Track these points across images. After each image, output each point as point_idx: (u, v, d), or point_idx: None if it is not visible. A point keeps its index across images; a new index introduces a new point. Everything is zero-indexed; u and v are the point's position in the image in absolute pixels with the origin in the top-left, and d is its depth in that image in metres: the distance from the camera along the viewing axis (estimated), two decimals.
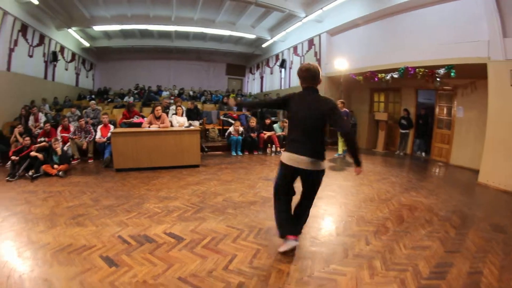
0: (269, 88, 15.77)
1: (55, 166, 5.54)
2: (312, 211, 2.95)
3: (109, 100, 12.33)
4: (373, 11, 7.94)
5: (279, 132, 8.57)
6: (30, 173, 5.35)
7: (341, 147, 7.85)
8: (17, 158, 5.51)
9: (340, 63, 8.76)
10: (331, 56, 10.04)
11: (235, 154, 7.93)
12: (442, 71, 6.04)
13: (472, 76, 6.61)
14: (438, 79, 6.22)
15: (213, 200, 4.23)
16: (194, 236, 3.07)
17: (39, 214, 3.65)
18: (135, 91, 13.55)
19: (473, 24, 5.68)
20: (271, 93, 14.46)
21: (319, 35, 10.58)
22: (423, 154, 8.37)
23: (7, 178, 5.19)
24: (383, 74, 7.52)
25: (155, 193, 4.53)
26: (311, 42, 11.27)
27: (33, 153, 5.56)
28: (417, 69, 6.49)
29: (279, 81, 14.43)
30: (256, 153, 8.26)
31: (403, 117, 8.49)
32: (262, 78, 17.01)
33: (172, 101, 9.99)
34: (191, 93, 14.75)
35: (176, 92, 14.40)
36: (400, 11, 7.48)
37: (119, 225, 3.33)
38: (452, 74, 5.90)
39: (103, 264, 2.54)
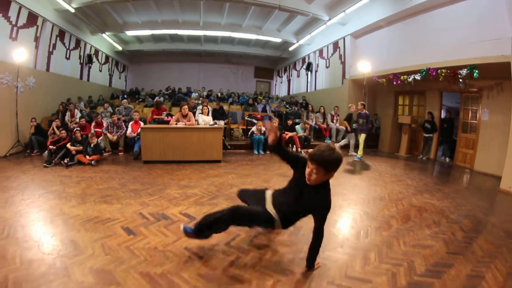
0: (296, 91, 16.15)
1: (88, 156, 6.27)
2: None
3: (141, 100, 13.25)
4: (395, 12, 8.12)
5: (301, 133, 8.89)
6: (65, 161, 6.11)
7: (360, 150, 7.94)
8: (54, 147, 6.33)
9: (363, 66, 8.94)
10: (355, 58, 10.23)
11: (256, 153, 8.35)
12: (464, 71, 6.03)
13: (498, 77, 6.50)
14: (460, 80, 6.21)
15: (229, 190, 4.63)
16: None
17: (72, 193, 4.29)
18: (166, 92, 14.40)
19: (496, 22, 5.67)
20: (297, 95, 14.79)
21: (344, 38, 10.83)
22: (447, 159, 8.27)
23: (44, 164, 5.98)
24: (405, 76, 7.60)
25: (177, 181, 5.05)
26: (335, 45, 11.51)
27: (69, 146, 6.32)
28: (439, 70, 6.53)
29: (305, 84, 14.76)
30: None
31: (427, 120, 8.47)
32: (289, 81, 17.42)
33: (199, 101, 10.63)
34: (219, 94, 15.41)
35: (205, 93, 15.12)
36: (421, 11, 7.60)
37: (141, 205, 3.84)
38: (475, 74, 5.86)
39: (123, 232, 3.04)
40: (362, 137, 7.95)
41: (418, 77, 7.24)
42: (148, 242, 2.85)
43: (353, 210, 3.99)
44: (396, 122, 9.61)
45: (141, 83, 17.19)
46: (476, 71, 5.82)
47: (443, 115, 8.50)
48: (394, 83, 8.09)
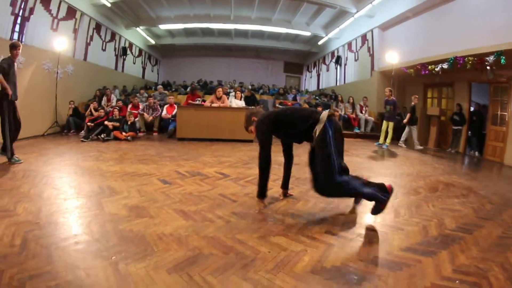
0: (325, 85, 16.48)
1: (124, 133, 7.06)
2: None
3: (173, 90, 14.14)
4: (421, 1, 8.36)
5: None
6: (102, 136, 6.90)
7: (389, 139, 8.11)
8: (92, 124, 7.19)
9: (391, 57, 9.20)
10: (383, 50, 10.45)
11: None
12: (491, 58, 6.14)
13: None
14: (488, 67, 6.34)
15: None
16: (239, 175, 4.04)
17: (109, 157, 4.96)
18: (198, 84, 15.25)
19: None
20: (327, 89, 15.13)
21: (372, 30, 11.11)
22: (476, 153, 8.26)
23: (82, 139, 6.78)
24: (433, 66, 7.80)
25: (211, 152, 5.71)
26: (364, 38, 11.80)
27: (107, 123, 7.14)
28: (466, 58, 6.70)
29: (335, 77, 15.09)
30: None
31: (456, 112, 8.55)
32: (318, 75, 17.77)
33: (231, 90, 11.34)
34: (249, 87, 16.05)
35: (236, 85, 15.83)
36: (446, 1, 7.81)
37: (177, 166, 4.47)
38: (502, 61, 5.96)
39: (159, 182, 3.56)
40: (390, 125, 8.08)
41: (445, 66, 7.42)
42: (184, 189, 3.28)
43: (380, 179, 4.19)
44: (424, 115, 9.71)
45: (173, 76, 18.17)
46: (503, 57, 5.91)
47: (472, 108, 8.55)
48: (422, 73, 8.30)
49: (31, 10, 7.45)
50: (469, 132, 8.51)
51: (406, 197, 3.47)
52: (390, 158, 6.58)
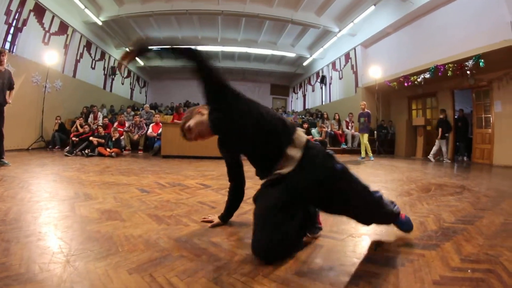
0: (311, 105, 16.58)
1: (108, 149, 6.78)
2: None
3: (160, 111, 13.98)
4: (400, 16, 8.57)
5: (317, 137, 9.13)
6: (86, 151, 6.63)
7: (369, 150, 7.96)
8: (77, 139, 6.92)
9: (374, 72, 9.25)
10: (366, 67, 10.59)
11: None
12: (470, 62, 6.28)
13: (505, 66, 6.65)
14: (468, 72, 6.41)
15: (246, 174, 4.91)
16: (221, 186, 3.71)
17: (91, 170, 4.71)
18: (186, 107, 15.11)
19: (494, 10, 5.98)
20: (313, 109, 15.15)
21: (354, 48, 11.29)
22: (465, 158, 8.24)
23: (65, 154, 6.54)
24: (415, 77, 7.84)
25: (195, 167, 5.39)
26: (347, 56, 11.95)
27: (92, 138, 6.89)
28: (446, 66, 6.79)
29: (320, 97, 15.17)
30: None
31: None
32: (304, 96, 17.92)
33: None
34: None
35: None
36: (424, 13, 8.03)
37: (159, 178, 4.15)
38: (481, 64, 6.09)
39: (137, 191, 3.28)
40: (365, 137, 7.94)
41: (427, 75, 7.50)
42: (162, 197, 3.02)
43: (372, 184, 4.07)
44: (410, 127, 9.71)
45: (161, 98, 18.10)
46: (482, 60, 6.04)
47: (456, 114, 8.56)
48: (405, 84, 8.33)
49: (25, 22, 7.42)
50: (456, 139, 8.48)
51: (398, 198, 3.22)
52: (378, 167, 6.37)
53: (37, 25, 7.95)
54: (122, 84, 15.02)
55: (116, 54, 13.59)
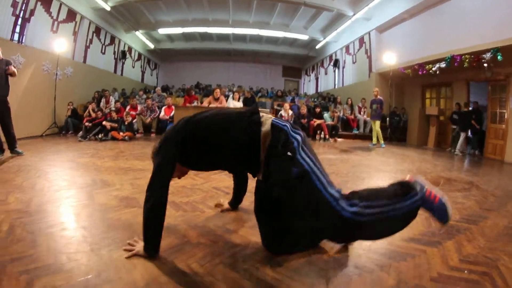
0: (324, 88, 16.44)
1: (121, 133, 6.99)
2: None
3: (171, 93, 14.11)
4: (417, 3, 8.34)
5: (329, 121, 9.21)
6: (100, 136, 6.86)
7: (381, 138, 8.07)
8: (90, 124, 7.13)
9: (389, 58, 9.14)
10: (380, 52, 10.41)
11: None
12: (488, 55, 6.13)
13: None
14: (485, 65, 6.29)
15: None
16: None
17: (105, 155, 4.92)
18: (197, 89, 15.21)
19: None
20: (325, 92, 15.09)
21: (369, 33, 11.08)
22: (477, 151, 8.19)
23: (79, 139, 6.77)
24: (430, 65, 7.73)
25: None
26: (361, 40, 11.75)
27: (105, 123, 7.10)
28: (463, 57, 6.65)
29: (333, 81, 15.05)
30: None
31: (455, 111, 8.45)
32: (317, 79, 17.74)
33: (229, 94, 11.30)
34: (248, 89, 16.00)
35: (235, 89, 15.76)
36: (442, 1, 7.78)
37: None
38: (499, 57, 5.94)
39: None
40: (377, 124, 8.04)
41: (443, 65, 7.36)
42: (177, 183, 3.05)
43: (381, 174, 4.30)
44: (423, 115, 9.63)
45: (172, 80, 18.11)
46: (500, 54, 5.90)
47: (471, 106, 8.45)
48: (420, 73, 8.23)
49: (32, 12, 7.46)
50: (469, 131, 8.39)
51: None
52: (390, 156, 6.48)
53: (44, 14, 8.00)
54: (133, 67, 15.09)
55: (126, 38, 13.61)
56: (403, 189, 1.46)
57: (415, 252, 1.75)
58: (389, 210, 1.36)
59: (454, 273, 1.50)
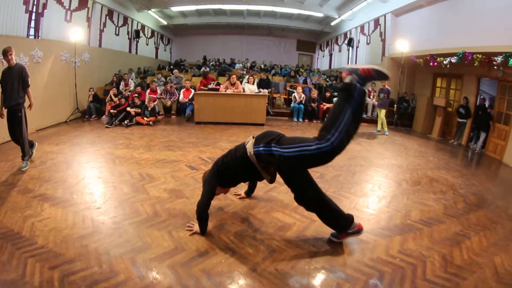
0: (337, 65, 16.87)
1: (145, 118, 7.86)
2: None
3: (185, 70, 14.80)
4: None
5: None
6: (126, 122, 7.69)
7: (385, 125, 8.79)
8: (115, 111, 7.95)
9: (402, 45, 9.58)
10: (395, 37, 10.80)
11: (296, 120, 9.66)
12: (499, 58, 6.24)
13: None
14: (495, 67, 6.49)
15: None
16: None
17: (138, 145, 5.74)
18: (211, 63, 15.88)
19: None
20: (338, 70, 15.51)
21: (384, 15, 11.39)
22: (477, 147, 8.26)
23: (106, 125, 7.57)
24: (442, 58, 8.11)
25: (227, 137, 6.54)
26: (376, 22, 12.08)
27: (129, 109, 7.93)
28: (474, 55, 6.89)
29: (346, 59, 15.37)
30: (315, 121, 9.77)
31: (462, 105, 8.81)
32: (331, 55, 18.11)
33: (244, 72, 12.07)
34: (262, 66, 16.69)
35: (248, 65, 16.45)
36: None
37: (199, 152, 5.30)
38: (510, 62, 6.00)
39: (187, 169, 4.41)
40: (382, 112, 8.78)
41: (454, 60, 7.69)
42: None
43: (371, 169, 4.94)
44: (431, 104, 10.08)
45: (185, 54, 18.85)
46: (511, 59, 5.97)
47: (478, 102, 8.69)
48: (431, 64, 8.64)
49: (44, 6, 7.80)
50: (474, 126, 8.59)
51: (388, 188, 4.10)
52: (389, 146, 7.05)
53: (57, 6, 8.39)
54: (147, 44, 15.84)
55: (138, 17, 14.16)
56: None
57: (368, 239, 2.65)
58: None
59: (389, 259, 2.39)
